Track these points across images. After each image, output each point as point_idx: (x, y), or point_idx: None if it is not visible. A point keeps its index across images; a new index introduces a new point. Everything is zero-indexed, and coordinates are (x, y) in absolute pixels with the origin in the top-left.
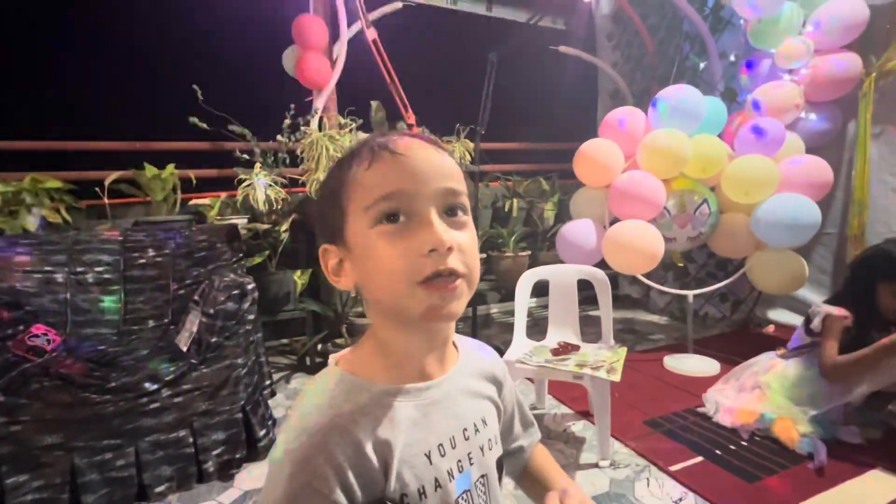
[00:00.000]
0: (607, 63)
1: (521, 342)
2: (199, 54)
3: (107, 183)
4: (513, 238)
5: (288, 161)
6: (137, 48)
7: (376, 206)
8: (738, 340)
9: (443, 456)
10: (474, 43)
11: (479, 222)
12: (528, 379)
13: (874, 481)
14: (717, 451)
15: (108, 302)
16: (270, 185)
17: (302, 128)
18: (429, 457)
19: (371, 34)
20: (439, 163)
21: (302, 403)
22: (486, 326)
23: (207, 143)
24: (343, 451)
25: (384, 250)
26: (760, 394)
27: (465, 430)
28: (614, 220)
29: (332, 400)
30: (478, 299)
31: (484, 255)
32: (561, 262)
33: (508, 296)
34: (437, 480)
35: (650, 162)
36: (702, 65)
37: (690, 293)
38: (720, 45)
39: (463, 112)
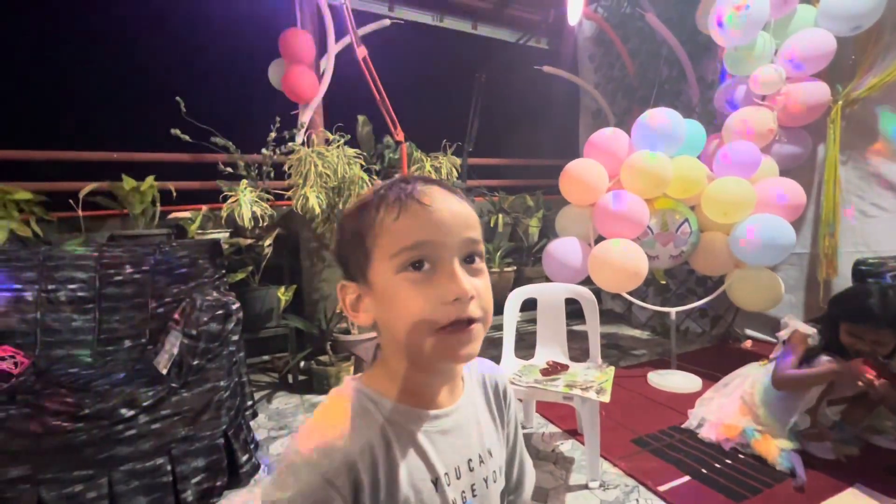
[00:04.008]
0: (590, 83)
1: (509, 361)
2: (183, 65)
3: (82, 194)
4: (499, 253)
5: (273, 174)
6: (119, 58)
7: (403, 255)
8: (719, 355)
9: (448, 485)
10: (460, 60)
11: None
12: (518, 399)
13: (852, 499)
14: (704, 470)
15: (82, 321)
16: (256, 202)
17: (289, 143)
18: (435, 484)
19: (361, 52)
20: (461, 213)
21: (326, 408)
22: None
23: (189, 155)
24: (362, 460)
25: (408, 296)
26: (743, 404)
27: (471, 460)
28: (599, 238)
29: (353, 409)
30: None
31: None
32: (546, 277)
33: (495, 310)
34: None
35: (634, 182)
36: (681, 88)
37: (673, 310)
38: (698, 70)
39: (449, 127)
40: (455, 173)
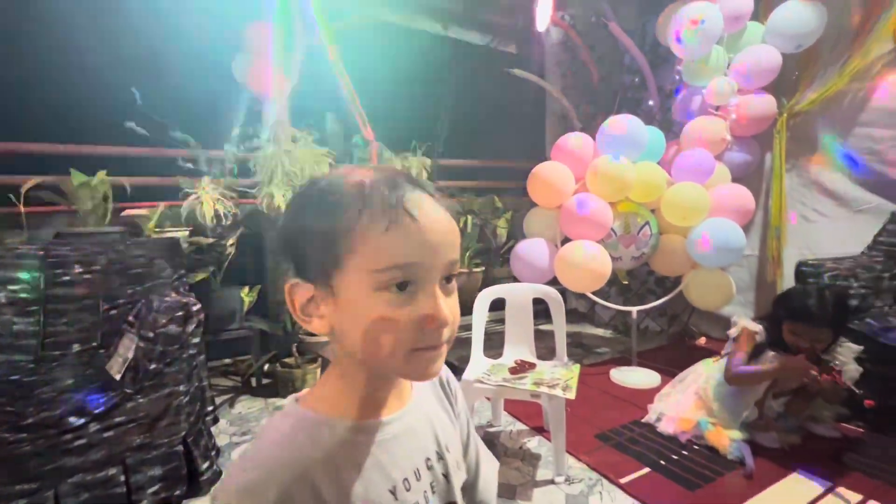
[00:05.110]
0: (556, 88)
1: (478, 361)
2: (139, 53)
3: (24, 189)
4: (467, 254)
5: (236, 171)
6: (67, 43)
7: (387, 274)
8: (676, 352)
9: (408, 490)
10: (430, 61)
11: None
12: (486, 397)
13: (795, 484)
14: (662, 462)
15: (24, 324)
16: (219, 199)
17: (255, 140)
18: (394, 493)
19: (331, 50)
20: (449, 230)
21: (259, 439)
22: None
23: (145, 150)
24: (300, 491)
25: (385, 317)
26: (698, 399)
27: (428, 459)
28: (565, 240)
29: (292, 436)
30: None
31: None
32: (514, 278)
33: (463, 310)
34: None
35: (598, 186)
36: (642, 96)
37: (634, 309)
38: (658, 79)
39: (418, 127)
40: (425, 174)
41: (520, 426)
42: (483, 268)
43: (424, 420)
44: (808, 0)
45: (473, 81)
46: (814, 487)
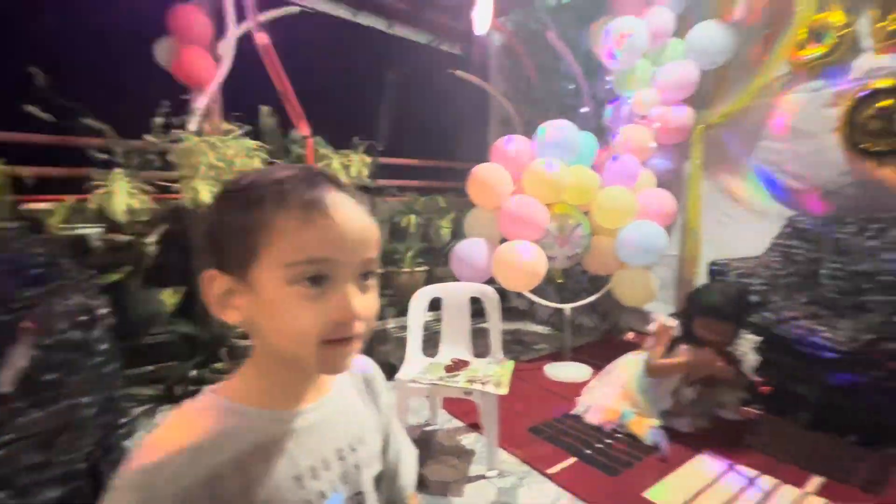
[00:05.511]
0: (499, 91)
1: (414, 360)
2: (39, 29)
3: None
4: (409, 254)
5: (159, 164)
6: None
7: (300, 268)
8: (607, 347)
9: (315, 479)
10: (374, 57)
11: None
12: (425, 396)
13: (701, 464)
14: (587, 451)
15: None
16: (133, 193)
17: (174, 130)
18: (299, 480)
19: (261, 38)
20: (366, 231)
21: (164, 423)
22: (382, 342)
23: (51, 137)
24: (194, 473)
25: (299, 311)
26: (622, 391)
27: (341, 450)
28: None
29: (195, 422)
30: None
31: (381, 271)
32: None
33: (405, 311)
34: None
35: (534, 188)
36: (577, 104)
37: (568, 306)
38: (592, 87)
39: (359, 124)
40: (365, 172)
41: (457, 423)
42: (426, 267)
43: (341, 412)
44: (719, 22)
45: (417, 80)
46: (717, 466)
